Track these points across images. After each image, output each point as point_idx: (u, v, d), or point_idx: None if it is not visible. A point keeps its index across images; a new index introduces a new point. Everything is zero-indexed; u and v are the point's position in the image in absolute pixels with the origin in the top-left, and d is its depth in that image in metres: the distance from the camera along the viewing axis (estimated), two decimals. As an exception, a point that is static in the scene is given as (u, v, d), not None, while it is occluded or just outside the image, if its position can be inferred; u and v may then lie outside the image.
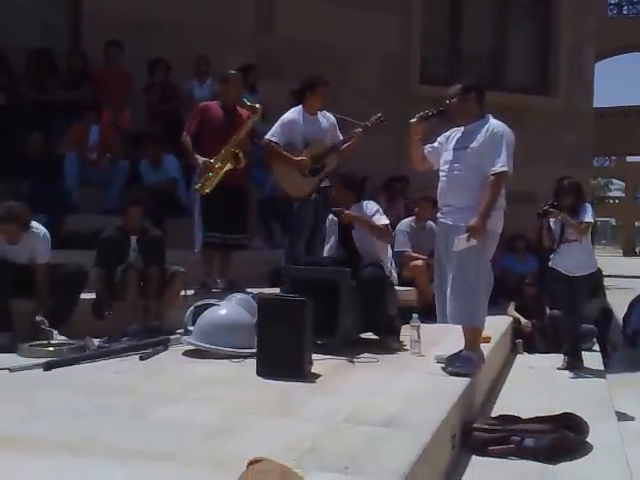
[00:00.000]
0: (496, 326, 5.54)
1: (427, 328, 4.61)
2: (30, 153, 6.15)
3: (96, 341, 4.49)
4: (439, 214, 4.24)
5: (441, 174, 4.15)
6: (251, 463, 2.22)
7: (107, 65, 7.09)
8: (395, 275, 5.06)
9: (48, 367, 3.92)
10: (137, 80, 7.21)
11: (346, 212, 4.86)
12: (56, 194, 5.94)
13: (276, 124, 5.49)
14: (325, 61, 7.71)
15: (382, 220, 4.94)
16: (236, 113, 5.49)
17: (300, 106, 5.54)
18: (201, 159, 5.30)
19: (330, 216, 5.09)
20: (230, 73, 5.61)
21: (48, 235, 4.81)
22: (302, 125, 5.47)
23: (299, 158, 5.40)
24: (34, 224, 4.74)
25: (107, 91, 6.89)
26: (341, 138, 5.58)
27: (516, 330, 6.55)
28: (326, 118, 5.59)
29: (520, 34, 9.78)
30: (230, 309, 4.49)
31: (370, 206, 5.00)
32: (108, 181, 6.41)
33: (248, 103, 5.48)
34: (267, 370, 3.76)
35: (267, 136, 5.45)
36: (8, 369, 3.84)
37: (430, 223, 6.32)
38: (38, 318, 4.51)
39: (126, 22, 7.18)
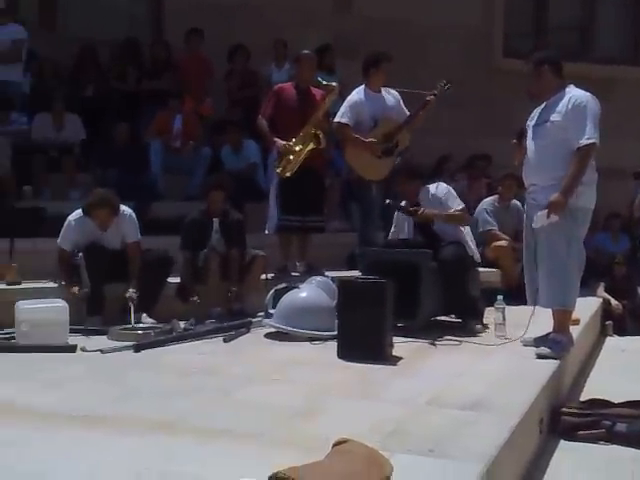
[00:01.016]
0: (585, 308, 5.33)
1: (512, 310, 4.48)
2: (117, 143, 6.37)
3: (182, 324, 4.61)
4: (526, 193, 4.09)
5: (528, 153, 4.00)
6: (336, 444, 2.22)
7: (188, 53, 7.22)
8: (478, 255, 4.93)
9: (137, 349, 4.06)
10: (218, 67, 7.31)
11: (420, 211, 4.68)
12: (142, 182, 6.13)
13: (343, 105, 5.45)
14: (404, 39, 7.58)
15: (456, 204, 4.79)
16: (310, 93, 5.47)
17: (363, 85, 5.48)
18: (280, 142, 5.32)
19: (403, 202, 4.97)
20: (302, 53, 5.59)
21: (134, 215, 4.96)
22: (367, 104, 5.41)
23: (368, 140, 5.35)
24: (121, 207, 4.91)
25: (189, 79, 7.03)
26: (407, 113, 5.49)
27: (606, 312, 6.29)
28: (391, 95, 5.51)
29: (609, 2, 9.29)
30: (310, 292, 4.51)
31: (440, 190, 4.82)
32: (191, 168, 6.55)
33: (324, 82, 5.45)
34: (348, 352, 3.76)
35: (336, 118, 5.43)
36: (100, 351, 4.01)
37: (515, 202, 6.12)
38: (128, 294, 4.66)
39: (206, 10, 7.29)
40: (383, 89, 5.49)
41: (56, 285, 4.85)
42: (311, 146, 5.26)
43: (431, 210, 4.69)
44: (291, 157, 5.29)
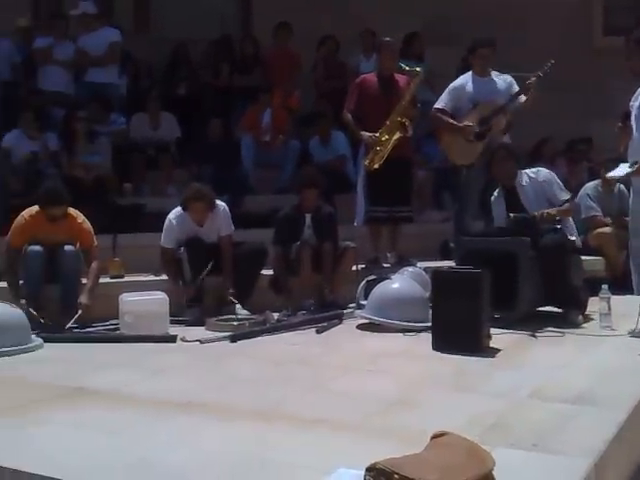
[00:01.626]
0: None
1: (618, 300, 4.25)
2: (210, 139, 6.53)
3: (275, 315, 4.68)
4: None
5: (633, 133, 3.77)
6: (434, 436, 2.17)
7: (276, 48, 7.30)
8: (579, 242, 4.70)
9: (233, 339, 4.15)
10: (307, 60, 7.34)
11: (544, 214, 4.40)
12: (235, 176, 6.25)
13: (445, 91, 5.36)
14: (500, 23, 7.32)
15: (564, 194, 4.56)
16: (393, 81, 5.39)
17: (470, 71, 5.36)
18: (366, 134, 5.28)
19: (495, 192, 4.79)
20: (383, 40, 5.52)
21: (228, 209, 5.07)
22: (471, 89, 5.28)
23: (463, 124, 5.22)
24: (216, 202, 5.02)
25: (277, 73, 7.10)
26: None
27: None
28: (502, 79, 5.35)
29: None
30: (402, 283, 4.46)
31: (542, 175, 4.58)
32: (281, 161, 6.63)
33: (407, 68, 5.36)
34: (443, 344, 3.69)
35: (435, 105, 5.35)
36: (199, 341, 4.12)
37: (620, 186, 5.80)
38: (225, 287, 4.77)
39: (293, 2, 7.33)
40: (494, 73, 5.36)
41: (156, 278, 5.01)
42: (397, 135, 5.19)
43: (545, 210, 4.46)
44: (378, 148, 5.24)
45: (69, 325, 4.43)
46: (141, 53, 7.39)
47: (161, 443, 2.48)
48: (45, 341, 4.13)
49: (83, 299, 4.50)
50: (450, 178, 5.76)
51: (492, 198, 4.73)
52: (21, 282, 4.60)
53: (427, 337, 3.86)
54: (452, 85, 5.37)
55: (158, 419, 2.74)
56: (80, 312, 4.45)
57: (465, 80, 5.35)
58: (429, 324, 3.93)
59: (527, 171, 4.67)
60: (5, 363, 3.64)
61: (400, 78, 5.40)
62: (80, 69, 6.74)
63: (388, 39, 5.51)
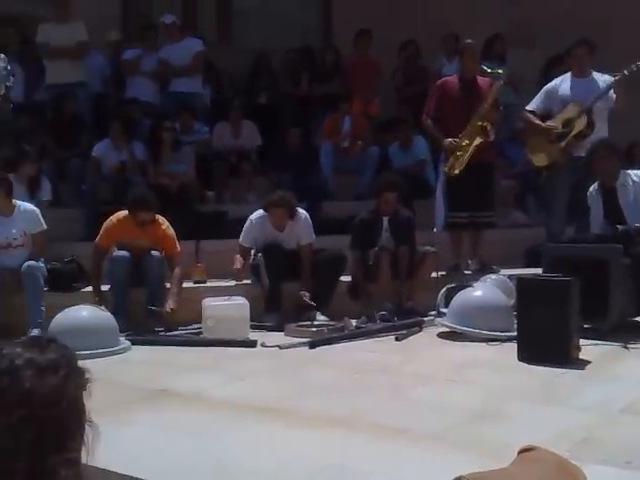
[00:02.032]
0: None
1: None
2: (290, 147, 6.59)
3: (354, 322, 4.65)
4: None
5: None
6: (523, 450, 2.08)
7: (357, 55, 7.30)
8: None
9: (312, 345, 4.15)
10: (387, 66, 7.31)
11: None
12: (314, 183, 6.28)
13: (539, 93, 5.24)
14: (584, 24, 7.06)
15: None
16: (475, 84, 5.27)
17: (569, 72, 5.22)
18: (446, 140, 5.18)
19: (591, 187, 4.61)
20: (465, 42, 5.41)
21: (309, 218, 5.09)
22: (565, 90, 5.12)
23: (547, 124, 5.05)
24: (298, 210, 5.05)
25: (357, 81, 7.10)
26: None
27: None
28: (602, 80, 5.15)
29: None
30: (485, 290, 4.35)
31: None
32: (360, 168, 6.61)
33: (489, 70, 5.23)
34: (529, 354, 3.56)
35: (526, 107, 5.23)
36: (278, 346, 4.15)
37: None
38: (302, 293, 4.79)
39: (373, 9, 7.32)
40: (596, 74, 5.19)
41: (238, 283, 5.08)
42: (478, 140, 5.07)
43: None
44: (458, 153, 5.13)
45: (156, 328, 4.57)
46: (224, 63, 7.56)
47: (241, 447, 2.50)
48: (132, 344, 4.27)
49: (169, 304, 4.62)
50: (534, 182, 5.57)
51: (588, 194, 4.53)
52: (108, 287, 4.77)
53: (512, 347, 3.74)
54: (546, 86, 5.24)
55: (238, 423, 2.77)
56: (166, 313, 4.57)
57: (559, 81, 5.20)
58: (514, 334, 3.82)
59: (632, 172, 4.45)
60: (95, 365, 3.77)
61: (482, 81, 5.28)
62: (165, 79, 6.96)
63: (470, 41, 5.40)
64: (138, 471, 2.28)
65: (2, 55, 6.95)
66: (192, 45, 6.88)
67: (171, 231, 4.91)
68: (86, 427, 1.19)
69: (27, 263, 4.63)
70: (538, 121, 5.15)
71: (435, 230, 5.47)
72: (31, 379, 1.14)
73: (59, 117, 6.56)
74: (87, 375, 1.22)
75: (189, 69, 6.85)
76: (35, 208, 4.93)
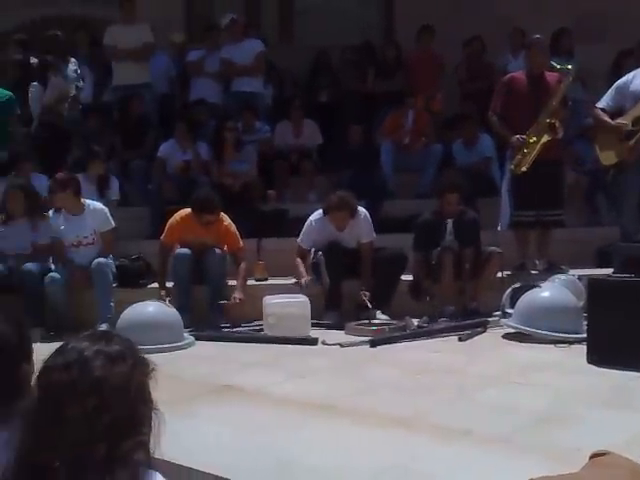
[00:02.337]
0: None
1: None
2: (351, 144, 6.56)
3: (415, 321, 4.59)
4: None
5: None
6: (594, 455, 2.01)
7: (419, 51, 7.23)
8: None
9: (373, 344, 4.12)
10: (451, 62, 7.21)
11: None
12: (374, 181, 6.24)
13: (609, 89, 5.06)
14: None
15: None
16: (543, 80, 5.12)
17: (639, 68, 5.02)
18: (514, 137, 5.06)
19: None
20: (533, 38, 5.26)
21: (369, 216, 5.06)
22: (636, 86, 4.90)
23: (617, 122, 4.86)
24: (358, 208, 5.02)
25: (420, 77, 7.02)
26: None
27: None
28: None
29: None
30: (553, 291, 4.22)
31: None
32: (422, 165, 6.52)
33: (558, 66, 5.07)
34: (600, 357, 3.44)
35: (596, 104, 5.04)
36: (339, 344, 4.14)
37: None
38: (362, 292, 4.76)
39: (437, 6, 7.23)
40: None
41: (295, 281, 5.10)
42: (546, 138, 4.92)
43: None
44: (525, 151, 5.00)
45: (219, 324, 4.65)
46: (285, 62, 7.60)
47: (303, 445, 2.50)
48: (196, 339, 4.34)
49: (237, 294, 4.77)
50: (604, 180, 5.38)
51: None
52: (171, 284, 4.87)
53: (581, 350, 3.62)
54: (616, 83, 5.04)
55: (300, 421, 2.77)
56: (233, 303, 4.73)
57: (631, 77, 4.97)
58: (583, 336, 3.70)
59: None
60: (160, 359, 3.84)
61: (550, 76, 5.12)
62: (227, 79, 7.04)
63: (538, 36, 5.26)
64: (201, 465, 2.30)
65: (72, 59, 7.21)
66: (253, 46, 6.94)
67: (234, 228, 4.99)
68: (153, 415, 1.23)
69: (97, 260, 4.78)
70: (607, 118, 4.96)
71: (499, 229, 5.34)
72: (101, 369, 1.18)
73: (125, 118, 6.73)
74: (151, 365, 1.27)
75: (251, 69, 6.91)
76: (104, 207, 5.08)
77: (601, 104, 5.02)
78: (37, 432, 1.16)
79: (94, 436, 1.14)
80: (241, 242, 5.01)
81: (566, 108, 5.13)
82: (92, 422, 1.14)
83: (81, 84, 7.16)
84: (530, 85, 5.13)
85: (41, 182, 5.67)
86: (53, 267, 4.92)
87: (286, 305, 4.47)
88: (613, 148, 4.97)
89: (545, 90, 5.05)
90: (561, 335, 3.96)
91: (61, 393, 1.16)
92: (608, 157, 5.03)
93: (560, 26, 6.71)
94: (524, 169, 5.01)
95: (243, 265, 4.91)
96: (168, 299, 4.66)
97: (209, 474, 2.26)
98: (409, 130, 6.62)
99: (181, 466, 2.26)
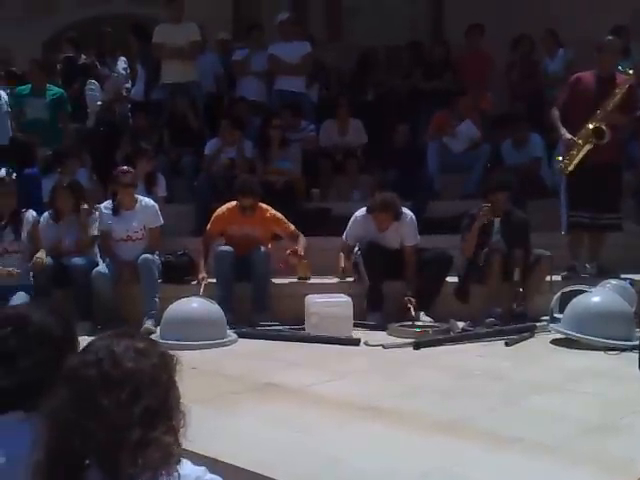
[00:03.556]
0: None
1: None
2: (397, 144, 6.50)
3: (460, 324, 4.52)
4: None
5: None
6: (648, 469, 1.93)
7: (468, 50, 7.12)
8: None
9: (417, 346, 4.06)
10: (499, 61, 7.10)
11: None
12: (420, 181, 6.16)
13: None
14: None
15: None
16: (613, 82, 4.97)
17: None
18: (567, 136, 4.93)
19: None
20: (605, 39, 5.11)
21: (414, 219, 5.01)
22: None
23: None
24: (403, 210, 4.97)
25: (469, 76, 6.91)
26: None
27: None
28: None
29: None
30: (605, 296, 4.11)
31: None
32: (469, 165, 6.42)
33: (621, 69, 4.92)
34: (653, 366, 3.31)
35: None
36: (382, 346, 4.09)
37: None
38: (407, 298, 4.71)
39: (485, 3, 7.12)
40: None
41: (341, 281, 5.07)
42: (589, 145, 4.78)
43: None
44: (573, 152, 4.88)
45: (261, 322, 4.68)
46: (332, 61, 7.58)
47: (345, 446, 2.47)
48: (239, 336, 4.35)
49: (300, 248, 4.96)
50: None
51: None
52: (213, 280, 4.90)
53: (632, 357, 3.50)
54: None
55: (342, 421, 2.75)
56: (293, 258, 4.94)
57: None
58: (635, 343, 3.58)
59: None
60: (203, 355, 3.87)
61: (620, 79, 4.96)
62: (273, 78, 7.06)
63: (610, 38, 5.13)
64: (244, 463, 2.30)
65: (122, 57, 7.33)
66: (302, 46, 6.94)
67: (279, 215, 5.10)
68: (181, 407, 1.27)
69: (143, 256, 4.84)
70: None
71: (563, 232, 5.18)
72: (131, 361, 1.23)
73: (173, 116, 6.80)
74: (176, 360, 1.30)
75: (297, 69, 6.91)
76: (155, 203, 5.16)
77: None
78: (71, 425, 1.19)
79: (128, 421, 1.18)
80: (291, 225, 5.14)
81: (627, 112, 4.95)
82: (126, 409, 1.19)
83: (129, 83, 7.28)
84: (596, 87, 4.99)
85: (82, 177, 5.77)
86: (100, 262, 5.00)
87: (329, 305, 4.45)
88: None
89: (612, 92, 4.90)
90: (612, 342, 3.84)
91: (94, 387, 1.20)
92: None
93: (615, 24, 6.51)
94: (571, 168, 4.89)
95: (302, 238, 5.07)
96: (204, 283, 4.73)
97: (249, 471, 2.26)
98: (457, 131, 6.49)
99: (222, 462, 2.26)
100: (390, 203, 4.87)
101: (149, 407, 1.20)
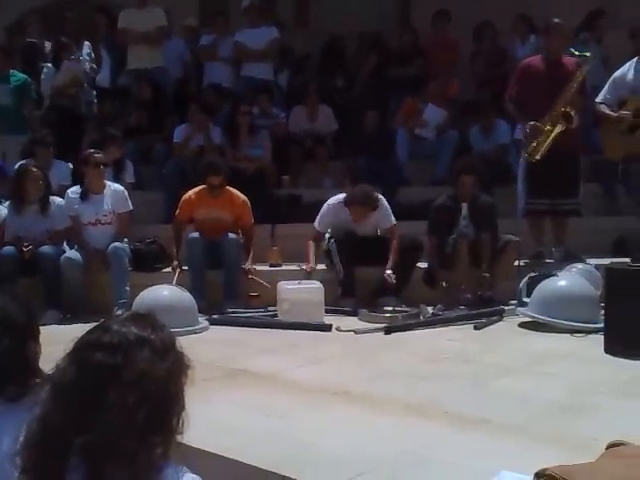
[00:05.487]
0: None
1: None
2: (366, 130, 6.50)
3: (430, 309, 4.57)
4: None
5: None
6: (611, 445, 1.99)
7: (435, 37, 7.15)
8: None
9: (388, 331, 4.11)
10: (465, 47, 7.13)
11: None
12: (389, 168, 6.18)
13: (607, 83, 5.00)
14: None
15: None
16: (561, 66, 5.03)
17: (636, 57, 4.94)
18: (528, 123, 4.99)
19: None
20: (552, 22, 5.17)
21: (385, 202, 5.02)
22: (631, 78, 4.85)
23: (618, 114, 4.80)
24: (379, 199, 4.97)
25: (435, 62, 6.94)
26: None
27: None
28: None
29: None
30: (570, 280, 4.19)
31: None
32: (437, 152, 6.46)
33: (576, 53, 4.99)
34: (617, 347, 3.41)
35: (596, 99, 5.00)
36: (353, 331, 4.13)
37: None
38: (388, 274, 4.73)
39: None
40: None
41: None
42: (560, 127, 4.85)
43: None
44: (540, 138, 4.93)
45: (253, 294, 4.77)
46: (300, 47, 7.54)
47: (316, 430, 2.50)
48: (210, 324, 4.34)
49: (249, 265, 4.93)
50: (607, 170, 5.35)
51: None
52: (185, 268, 4.87)
53: (598, 339, 3.60)
54: (613, 76, 4.99)
55: (314, 406, 2.77)
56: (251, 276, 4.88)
57: (625, 69, 4.94)
58: (600, 325, 3.67)
59: None
60: (174, 343, 3.86)
61: (569, 62, 5.04)
62: (239, 64, 7.00)
63: (557, 21, 5.17)
64: (215, 448, 2.31)
65: (87, 42, 7.18)
66: (268, 32, 6.88)
67: (247, 202, 5.10)
68: (183, 413, 1.22)
69: (113, 244, 4.79)
70: (609, 111, 4.93)
71: (518, 218, 5.28)
72: (145, 361, 1.17)
73: (140, 102, 6.71)
74: (188, 362, 1.25)
75: (264, 55, 6.87)
76: (124, 189, 5.11)
77: (600, 98, 4.99)
78: (72, 410, 1.15)
79: (127, 427, 1.13)
80: (252, 219, 5.14)
81: (584, 96, 5.05)
82: (129, 414, 1.13)
83: (94, 67, 7.14)
84: (547, 71, 5.05)
85: (60, 168, 5.67)
86: (68, 249, 4.93)
87: (300, 291, 4.46)
88: (616, 142, 4.93)
89: (563, 76, 4.96)
90: (578, 324, 3.93)
91: (104, 377, 1.15)
92: (613, 151, 4.99)
93: (582, 11, 6.58)
94: (538, 157, 4.95)
95: (253, 239, 5.08)
96: (178, 271, 4.74)
97: (222, 457, 2.27)
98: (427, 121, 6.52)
99: (194, 448, 2.26)
100: (369, 197, 4.88)
101: (151, 415, 1.15)
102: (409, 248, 4.93)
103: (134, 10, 6.87)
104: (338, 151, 6.68)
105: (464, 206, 4.85)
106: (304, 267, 4.91)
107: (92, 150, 5.09)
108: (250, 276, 4.88)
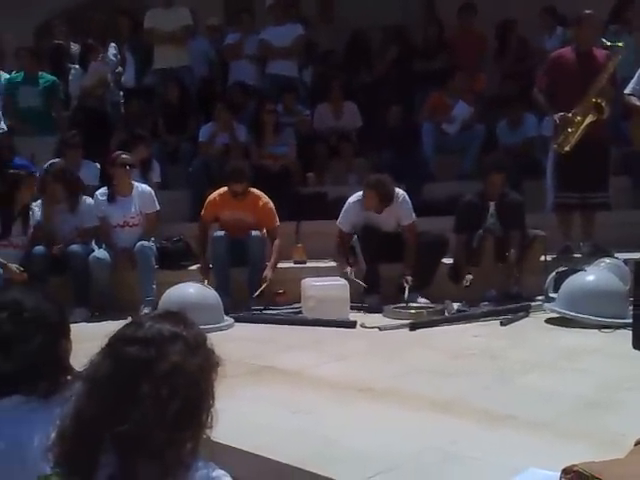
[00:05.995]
0: None
1: None
2: (391, 126, 6.48)
3: (455, 305, 4.54)
4: None
5: None
6: (639, 442, 1.96)
7: (461, 30, 7.09)
8: None
9: (413, 327, 4.10)
10: (491, 41, 7.06)
11: None
12: (415, 163, 6.16)
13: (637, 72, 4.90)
14: None
15: None
16: (592, 57, 4.97)
17: None
18: (557, 114, 4.93)
19: None
20: (583, 13, 5.10)
21: (408, 198, 5.00)
22: None
23: None
24: (396, 190, 4.97)
25: (462, 56, 6.89)
26: None
27: None
28: None
29: None
30: (599, 275, 4.13)
31: None
32: (464, 146, 6.41)
33: (608, 43, 4.91)
34: (646, 343, 3.35)
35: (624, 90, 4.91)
36: (378, 328, 4.13)
37: None
38: (404, 278, 4.69)
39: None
40: None
41: (337, 264, 5.09)
42: (591, 118, 4.78)
43: None
44: (570, 130, 4.87)
45: (256, 294, 4.70)
46: (325, 43, 7.54)
47: (342, 426, 2.50)
48: (236, 321, 4.37)
49: (267, 272, 4.79)
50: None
51: None
52: (210, 266, 4.91)
53: (626, 335, 3.54)
54: None
55: (339, 402, 2.78)
56: (264, 285, 4.72)
57: None
58: (629, 321, 3.61)
59: None
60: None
61: (600, 53, 4.96)
62: (265, 62, 7.02)
63: (589, 12, 5.10)
64: (242, 444, 2.33)
65: (112, 43, 7.27)
66: (293, 29, 6.89)
67: (271, 205, 5.05)
68: (212, 409, 1.24)
69: (140, 243, 4.86)
70: (638, 102, 4.83)
71: (547, 213, 5.22)
72: (178, 355, 1.19)
73: (166, 101, 6.78)
74: (218, 359, 1.28)
75: (289, 52, 6.87)
76: (151, 189, 5.17)
77: (629, 89, 4.89)
78: (107, 403, 1.17)
79: (159, 420, 1.15)
80: (277, 221, 5.06)
81: (615, 87, 4.97)
82: (161, 406, 1.15)
83: (119, 69, 7.23)
84: (578, 62, 4.98)
85: (89, 169, 5.75)
86: (96, 248, 5.00)
87: (325, 288, 4.47)
88: None
89: (594, 67, 4.89)
90: (606, 320, 3.87)
91: (138, 369, 1.17)
92: None
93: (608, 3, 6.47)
94: (567, 148, 4.89)
95: (277, 242, 4.96)
96: (206, 281, 4.72)
97: (248, 453, 2.29)
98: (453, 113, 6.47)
99: (221, 445, 2.29)
100: (379, 183, 4.85)
101: (182, 409, 1.16)
102: (435, 244, 4.91)
103: (160, 10, 6.93)
104: (363, 148, 6.66)
105: (492, 205, 4.82)
106: (346, 270, 4.77)
107: (119, 151, 5.15)
108: (264, 284, 4.72)
